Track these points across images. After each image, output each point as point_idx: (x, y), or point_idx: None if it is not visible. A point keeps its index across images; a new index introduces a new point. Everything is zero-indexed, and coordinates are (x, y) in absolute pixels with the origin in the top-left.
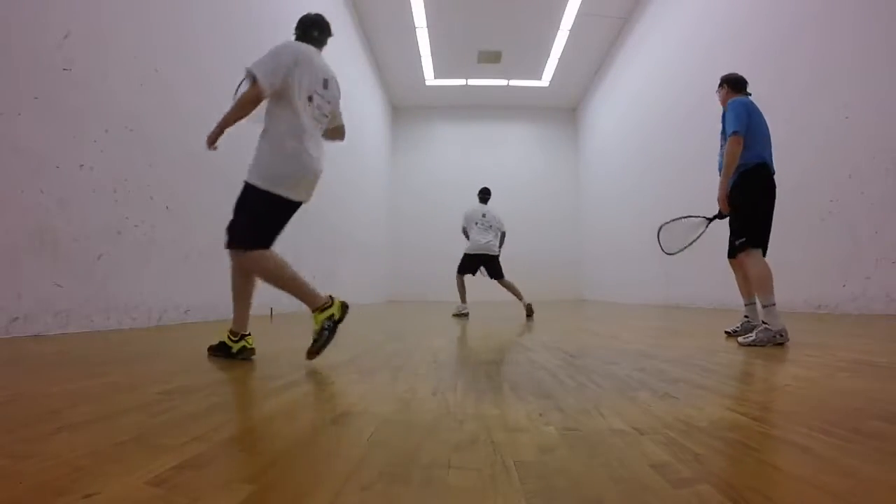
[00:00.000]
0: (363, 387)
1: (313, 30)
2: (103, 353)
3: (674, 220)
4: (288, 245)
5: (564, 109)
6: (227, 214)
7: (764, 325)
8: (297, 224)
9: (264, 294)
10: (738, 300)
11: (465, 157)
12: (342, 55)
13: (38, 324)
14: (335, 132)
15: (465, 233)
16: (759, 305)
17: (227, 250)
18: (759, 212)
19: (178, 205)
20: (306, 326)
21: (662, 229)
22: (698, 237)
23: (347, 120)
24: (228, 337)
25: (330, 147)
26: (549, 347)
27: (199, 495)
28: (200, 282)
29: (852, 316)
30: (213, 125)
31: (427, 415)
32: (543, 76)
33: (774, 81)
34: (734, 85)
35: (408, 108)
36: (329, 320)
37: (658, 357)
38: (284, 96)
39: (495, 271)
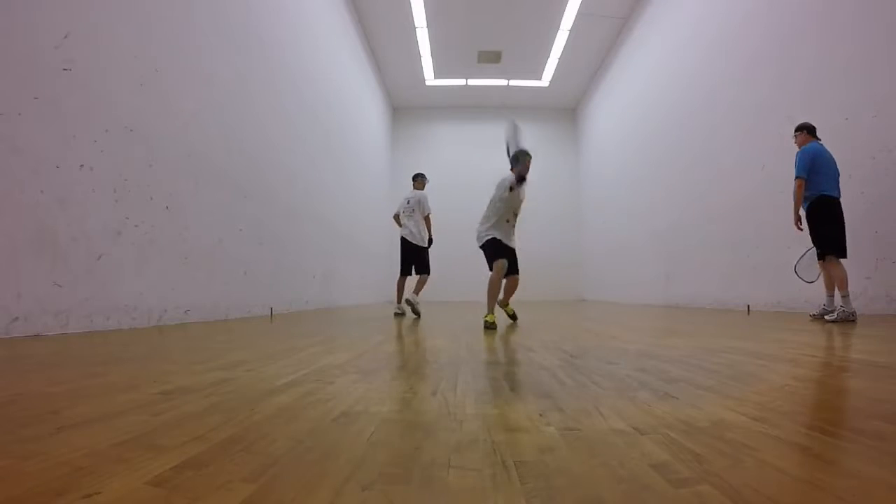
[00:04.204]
0: (363, 387)
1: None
2: (103, 353)
3: (799, 260)
4: (290, 246)
5: (564, 109)
6: (227, 214)
7: (842, 308)
8: (299, 225)
9: (264, 294)
10: (738, 300)
11: (465, 157)
12: (342, 55)
13: (38, 324)
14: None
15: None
16: (837, 296)
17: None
18: (826, 232)
19: (178, 205)
20: (305, 326)
21: (798, 270)
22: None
23: (347, 120)
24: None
25: (326, 145)
26: (550, 347)
27: (199, 495)
28: (200, 282)
29: None
30: (212, 125)
31: (427, 415)
32: (543, 76)
33: (774, 81)
34: (812, 131)
35: (408, 108)
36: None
37: (658, 357)
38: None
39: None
